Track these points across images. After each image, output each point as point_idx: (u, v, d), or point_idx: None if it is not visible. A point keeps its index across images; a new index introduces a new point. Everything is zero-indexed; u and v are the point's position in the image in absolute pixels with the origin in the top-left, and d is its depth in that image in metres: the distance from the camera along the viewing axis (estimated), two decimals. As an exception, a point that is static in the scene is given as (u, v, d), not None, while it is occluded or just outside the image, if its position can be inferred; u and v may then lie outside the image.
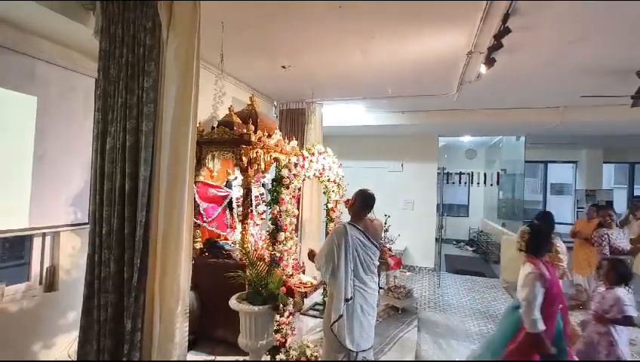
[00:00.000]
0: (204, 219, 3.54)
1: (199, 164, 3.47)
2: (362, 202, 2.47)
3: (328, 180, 3.96)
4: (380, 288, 4.92)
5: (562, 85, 4.25)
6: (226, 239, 3.72)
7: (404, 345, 3.65)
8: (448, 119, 5.87)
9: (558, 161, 10.67)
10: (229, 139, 3.30)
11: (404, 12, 2.70)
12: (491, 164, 9.90)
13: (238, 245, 3.43)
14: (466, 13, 2.67)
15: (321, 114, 5.40)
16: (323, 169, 3.67)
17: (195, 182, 3.46)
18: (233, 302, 2.60)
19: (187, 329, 2.12)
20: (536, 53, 3.35)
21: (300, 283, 3.52)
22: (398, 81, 4.35)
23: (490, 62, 3.14)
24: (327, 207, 4.17)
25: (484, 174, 8.88)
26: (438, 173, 7.20)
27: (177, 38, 2.06)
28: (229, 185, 3.90)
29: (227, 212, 3.82)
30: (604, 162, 9.88)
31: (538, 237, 2.38)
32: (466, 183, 9.21)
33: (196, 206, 3.41)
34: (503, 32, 2.67)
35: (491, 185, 8.82)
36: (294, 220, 3.26)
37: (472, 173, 9.01)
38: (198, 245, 3.53)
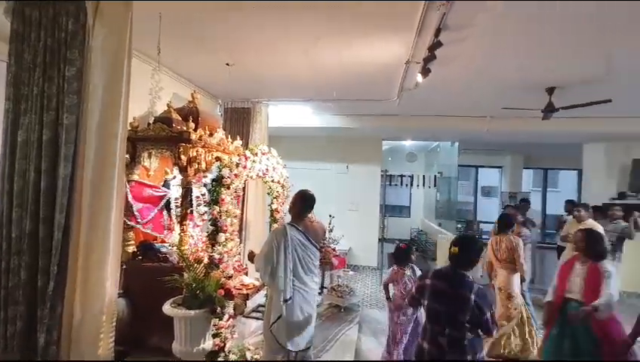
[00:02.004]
0: (138, 220, 3.32)
1: (133, 162, 3.25)
2: (302, 203, 2.50)
3: (272, 181, 3.94)
4: (324, 287, 5.03)
5: (487, 97, 4.69)
6: (163, 241, 3.52)
7: (345, 343, 3.75)
8: (391, 123, 6.16)
9: (486, 166, 11.71)
10: (166, 136, 3.13)
11: (347, 18, 2.80)
12: (430, 167, 10.57)
13: (175, 247, 3.27)
14: (404, 24, 2.83)
15: (267, 114, 5.36)
16: (267, 169, 3.64)
17: (129, 181, 3.24)
18: (167, 308, 2.47)
19: (113, 339, 1.97)
20: (464, 66, 3.66)
21: (242, 285, 3.46)
22: (343, 85, 4.47)
23: (425, 72, 3.36)
24: (271, 208, 4.14)
25: (424, 177, 9.45)
26: (382, 176, 7.51)
27: (105, 27, 1.92)
28: (167, 184, 3.70)
29: (165, 213, 3.63)
30: (524, 167, 11.05)
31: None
32: (407, 185, 9.72)
33: (129, 207, 3.19)
34: (436, 44, 2.88)
35: (429, 187, 9.41)
36: (236, 221, 3.19)
37: (413, 175, 9.55)
38: (131, 248, 3.29)
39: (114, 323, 1.98)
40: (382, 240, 7.17)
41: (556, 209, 9.40)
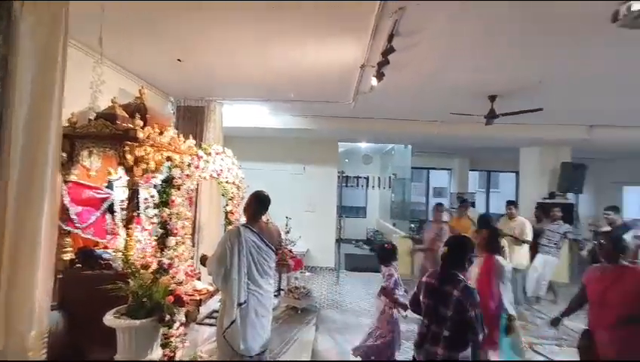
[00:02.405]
0: (77, 224, 3.05)
1: (71, 161, 2.99)
2: (257, 204, 2.46)
3: (227, 182, 3.83)
4: (280, 290, 4.98)
5: (437, 102, 4.95)
6: (105, 247, 3.27)
7: (302, 344, 3.74)
8: (347, 126, 6.27)
9: (437, 168, 12.36)
10: (110, 133, 2.91)
11: (304, 19, 2.80)
12: (385, 169, 10.93)
13: (120, 253, 3.05)
14: (359, 28, 2.89)
15: (222, 113, 5.20)
16: (221, 170, 3.53)
17: (65, 182, 2.97)
18: (109, 318, 2.29)
19: (44, 357, 1.78)
20: (416, 72, 3.83)
21: (194, 290, 3.31)
22: (300, 86, 4.47)
23: (379, 76, 3.46)
24: (225, 209, 4.03)
25: (379, 178, 9.74)
26: (338, 177, 7.62)
27: (36, 10, 1.74)
28: (110, 186, 3.45)
29: (108, 216, 3.37)
30: (471, 170, 11.81)
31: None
32: (363, 186, 9.96)
33: (65, 210, 2.92)
34: (389, 50, 2.98)
35: (385, 188, 9.72)
36: (188, 224, 3.06)
37: (369, 177, 9.80)
38: (69, 256, 3.02)
39: (45, 340, 1.79)
40: (339, 240, 7.27)
41: (498, 208, 10.17)
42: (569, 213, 6.82)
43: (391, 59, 3.09)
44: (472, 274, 2.83)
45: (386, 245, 3.40)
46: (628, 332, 2.22)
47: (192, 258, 3.49)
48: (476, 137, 6.49)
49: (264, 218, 2.63)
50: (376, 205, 11.63)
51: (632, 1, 1.29)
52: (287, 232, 5.26)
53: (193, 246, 3.68)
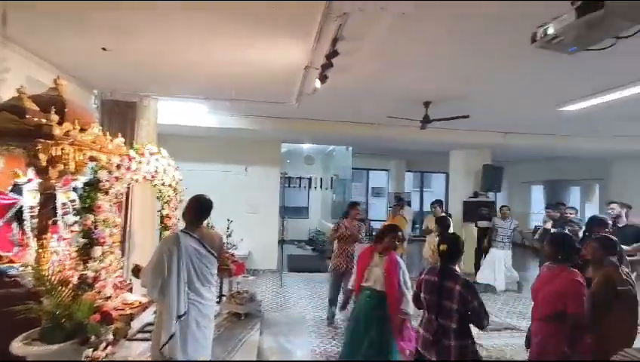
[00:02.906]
0: (-27, 236, 2.58)
1: (-36, 161, 2.52)
2: (198, 209, 2.31)
3: (163, 184, 3.55)
4: (222, 295, 4.77)
5: (377, 106, 5.15)
6: (11, 261, 2.81)
7: (246, 350, 3.61)
8: (290, 127, 6.24)
9: (376, 169, 12.93)
10: (17, 129, 2.50)
11: (248, 18, 2.70)
12: (327, 169, 11.10)
13: (30, 268, 2.65)
14: (303, 30, 2.88)
15: (157, 110, 4.82)
16: (156, 171, 3.26)
17: (-43, 187, 2.49)
18: (17, 346, 1.97)
19: None
20: (358, 76, 3.94)
21: (125, 304, 3.02)
22: (242, 85, 4.33)
23: (323, 78, 3.49)
24: (161, 214, 3.74)
25: (321, 179, 9.86)
26: (281, 178, 7.55)
27: None
28: (17, 190, 2.98)
29: (14, 225, 2.91)
30: (406, 170, 12.56)
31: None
32: (305, 187, 10.00)
33: (-43, 219, 2.45)
34: (333, 53, 3.02)
35: (327, 189, 9.87)
36: (117, 231, 2.77)
37: (311, 178, 9.88)
38: (-38, 273, 2.54)
39: None
40: (282, 242, 7.20)
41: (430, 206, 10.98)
42: (491, 210, 7.58)
43: (334, 62, 3.14)
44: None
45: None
46: (548, 328, 2.41)
47: (121, 268, 3.17)
48: (412, 140, 6.89)
49: (204, 222, 2.48)
50: (318, 205, 11.76)
51: (548, 25, 1.46)
52: (229, 235, 5.07)
53: (123, 255, 3.35)
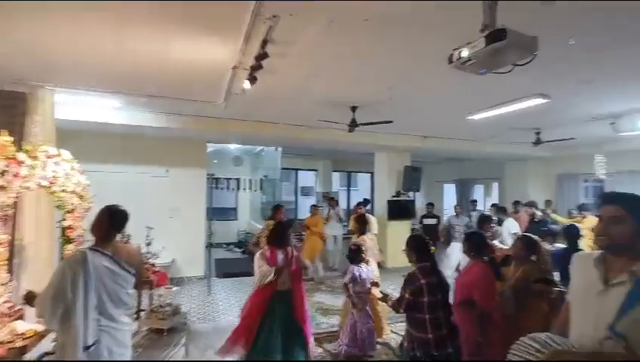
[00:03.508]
0: None
1: None
2: (110, 222, 2.04)
3: (64, 191, 3.08)
4: (141, 310, 4.34)
5: (306, 108, 5.18)
6: None
7: (169, 371, 3.34)
8: (217, 127, 5.94)
9: (304, 169, 13.08)
10: None
11: (171, 11, 2.48)
12: (256, 170, 10.88)
13: None
14: (232, 29, 2.74)
15: (53, 103, 4.15)
16: (54, 177, 2.81)
17: None
18: None
19: None
20: (287, 79, 3.91)
21: (15, 335, 2.55)
22: (164, 82, 3.99)
23: (252, 79, 3.38)
24: (62, 224, 3.24)
25: (250, 180, 9.62)
26: (207, 179, 7.15)
27: None
28: None
29: None
30: (334, 170, 12.95)
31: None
32: (234, 189, 9.66)
33: None
34: (262, 55, 2.94)
35: (256, 190, 9.65)
36: (2, 249, 2.31)
37: (240, 179, 9.57)
38: None
39: None
40: (209, 246, 6.83)
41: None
42: (412, 208, 8.23)
43: (264, 64, 3.07)
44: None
45: (352, 246, 3.84)
46: (460, 314, 2.66)
47: (9, 292, 2.67)
48: (340, 142, 7.10)
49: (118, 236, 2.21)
50: (247, 206, 11.46)
51: (462, 48, 1.60)
52: (149, 244, 4.63)
53: (11, 278, 2.82)
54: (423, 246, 2.61)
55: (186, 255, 6.74)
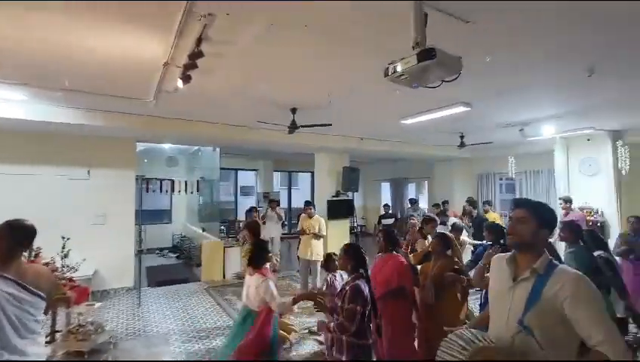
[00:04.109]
0: None
1: None
2: (12, 240, 1.76)
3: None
4: (56, 332, 3.86)
5: (246, 109, 5.05)
6: None
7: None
8: (148, 125, 5.50)
9: (245, 169, 12.75)
10: None
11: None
12: (192, 170, 10.32)
13: None
14: (161, 24, 2.56)
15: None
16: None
17: None
18: None
19: None
20: (226, 79, 3.77)
21: None
22: (83, 75, 3.58)
23: (186, 78, 3.18)
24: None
25: (186, 182, 9.08)
26: (137, 180, 6.59)
27: None
28: None
29: None
30: (274, 170, 12.83)
31: None
32: (167, 191, 9.04)
33: None
34: (197, 54, 2.79)
35: (192, 193, 9.16)
36: None
37: (174, 180, 8.98)
38: None
39: None
40: (139, 252, 6.30)
41: (298, 203, 11.51)
42: (350, 208, 8.47)
43: (201, 63, 2.91)
44: None
45: (331, 253, 3.94)
46: (385, 304, 2.90)
47: None
48: (280, 143, 7.04)
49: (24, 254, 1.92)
50: (182, 208, 10.82)
51: (396, 64, 1.68)
52: (65, 256, 4.12)
53: None
54: (360, 255, 2.59)
55: (112, 265, 6.13)
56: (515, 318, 1.49)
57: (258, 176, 12.90)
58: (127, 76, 3.62)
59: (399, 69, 1.67)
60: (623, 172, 6.25)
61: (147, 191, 7.86)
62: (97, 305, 4.19)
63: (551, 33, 2.71)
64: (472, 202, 7.42)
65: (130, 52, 3.05)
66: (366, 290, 2.43)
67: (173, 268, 8.38)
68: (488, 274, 2.72)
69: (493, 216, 6.83)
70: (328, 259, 3.97)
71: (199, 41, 2.69)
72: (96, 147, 6.12)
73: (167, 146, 8.67)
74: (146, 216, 8.59)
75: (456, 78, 1.77)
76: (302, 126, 5.08)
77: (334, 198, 8.18)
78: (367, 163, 12.31)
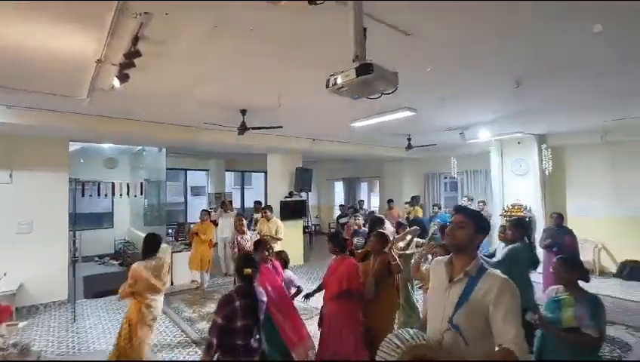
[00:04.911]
0: None
1: None
2: None
3: None
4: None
5: (193, 110, 4.84)
6: None
7: None
8: (83, 124, 5.07)
9: (195, 169, 12.24)
10: None
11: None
12: (136, 171, 9.69)
13: None
14: (92, 19, 2.36)
15: None
16: None
17: None
18: None
19: None
20: (170, 80, 3.60)
21: None
22: (4, 68, 3.19)
23: (123, 77, 2.99)
24: None
25: (128, 185, 8.48)
26: (71, 183, 6.03)
27: None
28: None
29: None
30: (226, 170, 12.47)
31: None
32: (107, 195, 8.38)
33: None
34: (134, 53, 2.62)
35: (135, 196, 8.59)
36: None
37: (115, 183, 8.35)
38: None
39: None
40: (74, 261, 5.78)
41: (251, 203, 11.31)
42: (303, 208, 8.51)
43: (142, 62, 2.75)
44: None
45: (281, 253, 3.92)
46: (337, 304, 3.05)
47: None
48: (231, 144, 6.87)
49: None
50: (125, 212, 10.12)
51: (337, 76, 1.71)
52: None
53: None
54: (242, 266, 2.44)
55: (41, 277, 5.56)
56: (447, 317, 1.60)
57: (209, 177, 12.45)
58: (55, 72, 3.29)
59: (339, 81, 1.70)
60: (547, 172, 6.95)
61: (83, 195, 7.21)
62: (22, 324, 3.80)
63: (482, 47, 2.93)
64: (413, 199, 7.90)
65: (59, 48, 2.79)
66: (237, 302, 2.22)
67: (116, 276, 7.79)
68: (424, 268, 2.94)
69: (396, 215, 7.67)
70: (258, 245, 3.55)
71: (136, 39, 2.53)
72: (20, 147, 5.52)
73: (107, 146, 8.05)
74: (83, 221, 7.93)
75: (393, 92, 1.85)
76: (252, 128, 5.00)
77: (287, 199, 8.17)
78: (320, 162, 12.43)
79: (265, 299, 2.51)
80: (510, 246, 3.55)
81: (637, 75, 3.61)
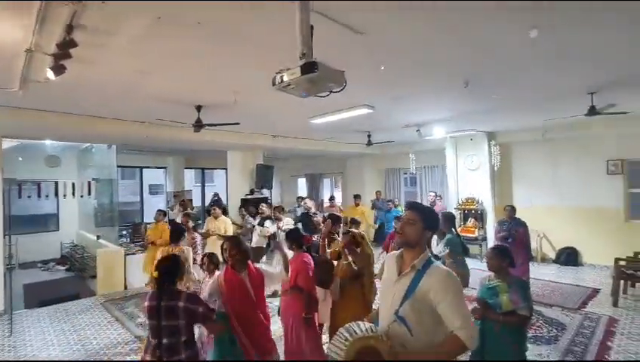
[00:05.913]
0: None
1: None
2: None
3: None
4: None
5: (143, 105, 4.59)
6: None
7: None
8: (15, 118, 4.64)
9: (151, 166, 11.65)
10: None
11: None
12: (84, 170, 9.06)
13: None
14: (18, 5, 2.15)
15: None
16: None
17: None
18: None
19: None
20: (115, 72, 3.38)
21: None
22: None
23: (58, 68, 2.76)
24: None
25: (73, 184, 7.90)
26: (5, 182, 5.49)
27: None
28: None
29: None
30: (186, 167, 12.00)
31: None
32: (48, 196, 7.77)
33: None
34: (69, 42, 2.43)
35: (82, 196, 8.03)
36: None
37: (58, 182, 7.75)
38: None
39: None
40: (9, 269, 5.28)
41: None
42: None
43: (81, 53, 2.56)
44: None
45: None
46: (291, 297, 3.10)
47: None
48: (187, 140, 6.61)
49: None
50: (74, 213, 9.43)
51: (283, 73, 1.69)
52: None
53: None
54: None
55: (-30, 287, 5.05)
56: (394, 309, 1.64)
57: (168, 174, 11.92)
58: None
59: (285, 79, 1.68)
60: (495, 167, 7.39)
61: (20, 197, 6.62)
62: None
63: (431, 47, 3.02)
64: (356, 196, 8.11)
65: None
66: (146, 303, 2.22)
67: (62, 282, 7.28)
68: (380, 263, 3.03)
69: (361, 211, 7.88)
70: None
71: (70, 28, 2.34)
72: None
73: (49, 143, 7.44)
74: (22, 224, 7.30)
75: (341, 90, 1.85)
76: (207, 125, 4.82)
77: (248, 196, 8.03)
78: (282, 159, 12.33)
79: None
80: (446, 238, 3.78)
81: (571, 77, 3.92)
